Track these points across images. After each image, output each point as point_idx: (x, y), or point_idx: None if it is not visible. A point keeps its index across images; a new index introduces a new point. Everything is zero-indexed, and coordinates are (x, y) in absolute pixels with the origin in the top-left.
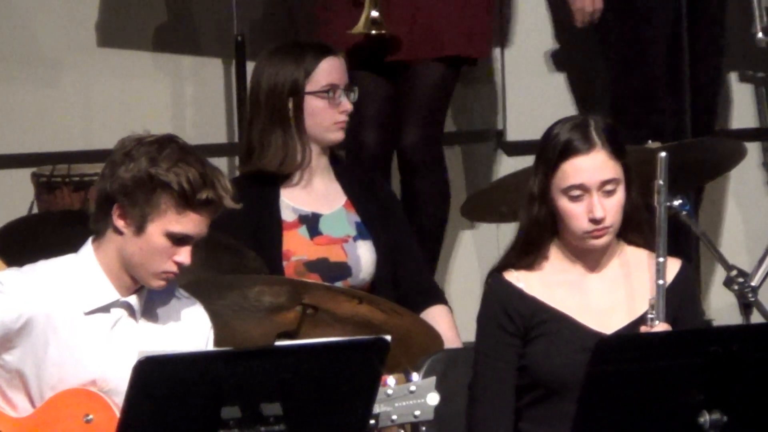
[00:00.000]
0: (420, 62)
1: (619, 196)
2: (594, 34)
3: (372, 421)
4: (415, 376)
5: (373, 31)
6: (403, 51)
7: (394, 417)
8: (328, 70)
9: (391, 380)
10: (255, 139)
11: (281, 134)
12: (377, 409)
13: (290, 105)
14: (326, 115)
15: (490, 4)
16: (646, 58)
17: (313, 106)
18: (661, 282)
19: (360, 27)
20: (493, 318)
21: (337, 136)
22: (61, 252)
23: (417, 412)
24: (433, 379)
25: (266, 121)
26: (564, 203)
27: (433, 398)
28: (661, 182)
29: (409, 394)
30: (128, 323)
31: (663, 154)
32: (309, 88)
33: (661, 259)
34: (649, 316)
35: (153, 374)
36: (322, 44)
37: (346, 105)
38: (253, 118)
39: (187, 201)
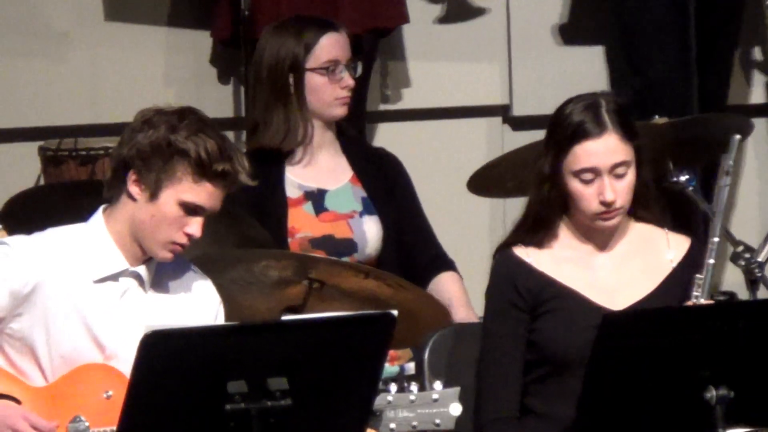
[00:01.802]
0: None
1: (630, 177)
2: (601, 7)
3: (392, 425)
4: (438, 385)
5: None
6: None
7: (415, 423)
8: (329, 46)
9: (414, 387)
10: (258, 116)
11: (283, 110)
12: (399, 414)
13: (291, 81)
14: (327, 91)
15: None
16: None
17: (314, 82)
18: (711, 261)
19: None
20: (502, 293)
21: (340, 111)
22: (66, 224)
23: (438, 421)
24: (457, 390)
25: (268, 97)
26: (575, 185)
27: (456, 408)
28: (731, 163)
29: (432, 402)
30: (137, 293)
31: (737, 136)
32: (309, 64)
33: (715, 239)
34: (695, 294)
35: (159, 348)
36: (324, 19)
37: (348, 80)
38: (256, 94)
39: (203, 171)
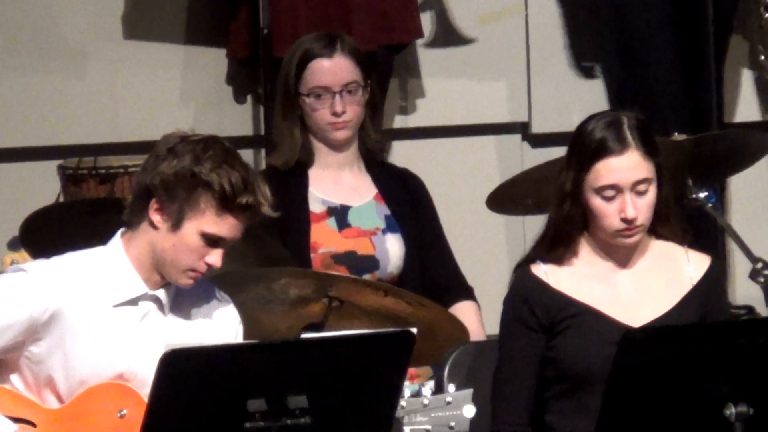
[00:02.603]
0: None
1: (651, 195)
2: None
3: (407, 430)
4: (452, 388)
5: None
6: (359, 40)
7: (428, 427)
8: (318, 73)
9: (427, 390)
10: (274, 131)
11: (287, 130)
12: (413, 418)
13: (290, 102)
14: (316, 116)
15: None
16: (643, 56)
17: (304, 106)
18: None
19: None
20: (516, 311)
21: (336, 135)
22: (85, 241)
23: (452, 423)
24: (470, 391)
25: (278, 114)
26: (596, 202)
27: (470, 410)
28: None
29: (445, 405)
30: (156, 317)
31: None
32: (301, 88)
33: None
34: None
35: (179, 366)
36: (329, 38)
37: (336, 107)
38: (275, 111)
39: (227, 204)
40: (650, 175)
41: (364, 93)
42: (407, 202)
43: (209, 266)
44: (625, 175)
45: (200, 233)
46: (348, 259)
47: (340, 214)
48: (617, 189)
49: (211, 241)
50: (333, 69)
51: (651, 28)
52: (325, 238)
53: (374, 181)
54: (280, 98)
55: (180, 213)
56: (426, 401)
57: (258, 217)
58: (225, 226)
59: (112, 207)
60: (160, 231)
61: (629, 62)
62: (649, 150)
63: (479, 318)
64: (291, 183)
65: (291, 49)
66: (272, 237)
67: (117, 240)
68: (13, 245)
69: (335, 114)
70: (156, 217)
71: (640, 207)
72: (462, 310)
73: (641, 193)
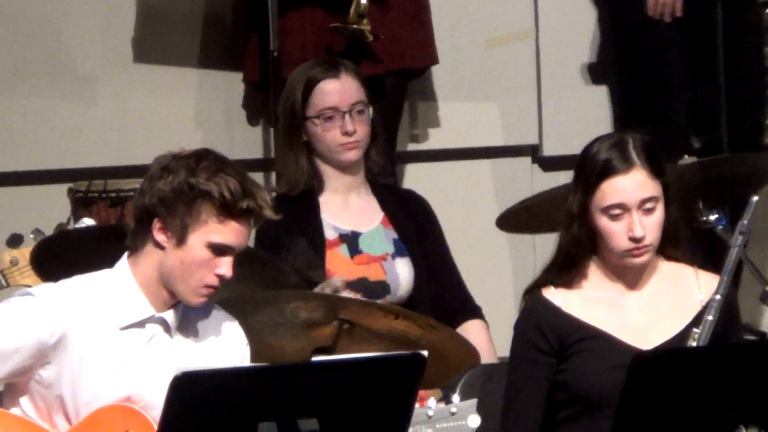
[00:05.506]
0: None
1: (659, 214)
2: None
3: None
4: (456, 398)
5: (355, 26)
6: (367, 65)
7: None
8: (325, 94)
9: (431, 402)
10: (276, 160)
11: (292, 156)
12: (418, 430)
13: (295, 128)
14: (327, 138)
15: (428, 12)
16: (652, 76)
17: (313, 129)
18: (710, 318)
19: (350, 19)
20: (528, 335)
21: (347, 156)
22: (96, 267)
23: None
24: (474, 402)
25: (282, 141)
26: (604, 222)
27: (474, 420)
28: (746, 223)
29: (449, 416)
30: (163, 339)
31: (755, 198)
32: (308, 112)
33: (718, 296)
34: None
35: (190, 390)
36: (332, 62)
37: (347, 126)
38: (278, 137)
39: (228, 210)
40: (657, 193)
41: (368, 114)
42: (413, 225)
43: (221, 278)
44: (631, 194)
45: (206, 244)
46: (360, 285)
47: (351, 240)
48: (624, 208)
49: (218, 250)
50: (341, 89)
51: (662, 49)
52: (338, 266)
53: (381, 205)
54: (283, 125)
55: (183, 227)
56: (431, 412)
57: (261, 221)
58: (230, 233)
59: (122, 233)
60: (166, 250)
61: (640, 84)
62: (655, 169)
63: (488, 336)
64: (302, 210)
65: (292, 75)
66: (283, 262)
67: (124, 263)
68: (13, 242)
69: (347, 134)
70: (160, 237)
71: (648, 226)
72: (470, 329)
73: (648, 212)
